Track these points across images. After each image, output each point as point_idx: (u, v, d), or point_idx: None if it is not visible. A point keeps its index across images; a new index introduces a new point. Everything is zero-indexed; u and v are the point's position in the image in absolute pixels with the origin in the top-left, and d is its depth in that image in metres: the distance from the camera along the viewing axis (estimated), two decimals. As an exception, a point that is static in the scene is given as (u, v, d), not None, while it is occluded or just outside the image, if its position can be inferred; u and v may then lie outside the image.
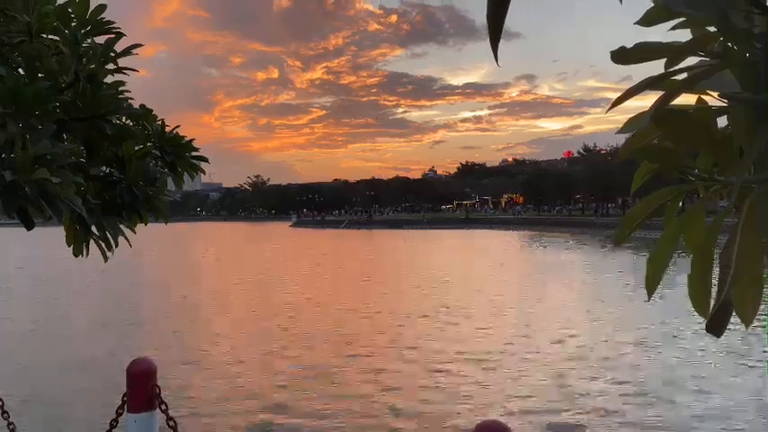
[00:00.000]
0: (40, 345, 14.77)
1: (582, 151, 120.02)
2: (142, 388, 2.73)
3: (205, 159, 5.95)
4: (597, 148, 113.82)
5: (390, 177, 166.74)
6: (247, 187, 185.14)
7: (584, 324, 16.64)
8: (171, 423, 2.68)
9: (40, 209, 3.68)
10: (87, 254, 4.56)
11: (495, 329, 15.99)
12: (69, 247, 5.12)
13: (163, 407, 2.72)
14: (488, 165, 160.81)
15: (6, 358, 13.17)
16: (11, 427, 3.46)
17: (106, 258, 5.01)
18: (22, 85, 3.70)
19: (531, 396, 10.24)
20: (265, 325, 17.27)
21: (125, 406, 2.80)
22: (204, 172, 5.96)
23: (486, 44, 1.02)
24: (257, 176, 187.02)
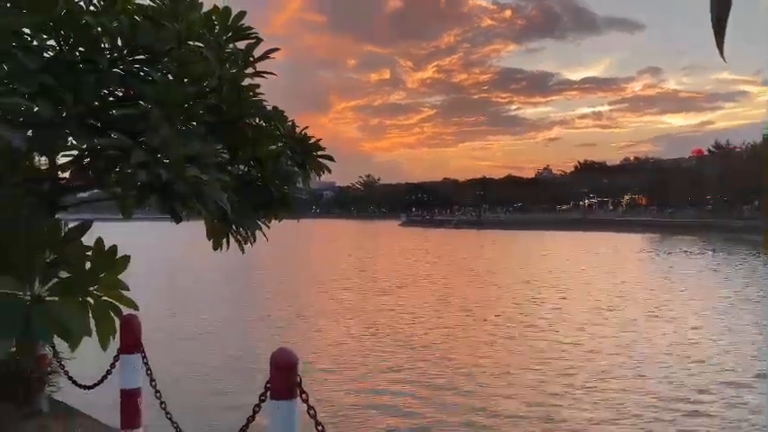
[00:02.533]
0: (209, 336, 15.80)
1: (713, 149, 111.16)
2: (284, 376, 2.84)
3: (331, 158, 6.14)
4: (731, 146, 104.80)
5: (502, 177, 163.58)
6: (359, 186, 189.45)
7: None
8: (311, 412, 2.76)
9: (188, 205, 3.96)
10: (228, 247, 4.87)
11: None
12: (209, 240, 5.48)
13: (303, 396, 2.82)
14: (608, 163, 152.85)
15: (165, 348, 14.10)
16: (162, 405, 3.74)
17: (243, 251, 5.31)
18: (172, 90, 3.99)
19: None
20: (407, 330, 17.45)
21: (268, 393, 2.92)
22: (330, 170, 6.16)
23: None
24: (368, 176, 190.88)
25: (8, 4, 3.82)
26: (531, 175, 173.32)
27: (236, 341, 15.01)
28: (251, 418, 3.07)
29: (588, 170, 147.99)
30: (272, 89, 5.23)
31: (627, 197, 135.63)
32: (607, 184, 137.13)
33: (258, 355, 12.24)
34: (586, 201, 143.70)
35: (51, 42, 4.29)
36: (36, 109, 3.88)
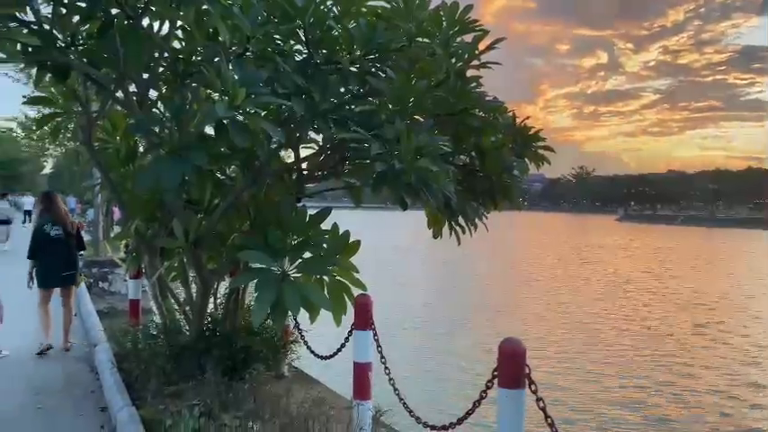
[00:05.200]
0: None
1: None
2: (512, 365, 2.85)
3: (550, 149, 5.96)
4: None
5: (740, 168, 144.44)
6: (570, 178, 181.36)
7: None
8: (541, 404, 2.73)
9: (417, 194, 4.16)
10: (452, 235, 5.01)
11: None
12: (430, 230, 5.69)
13: (532, 387, 2.80)
14: None
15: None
16: (391, 381, 4.01)
17: (459, 241, 5.43)
18: (407, 87, 4.21)
19: None
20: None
21: (495, 381, 2.96)
22: (549, 161, 6.00)
23: None
24: (581, 167, 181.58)
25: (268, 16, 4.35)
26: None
27: (460, 329, 15.37)
28: (477, 403, 3.14)
29: None
30: (482, 79, 5.24)
31: None
32: None
33: (484, 344, 12.41)
34: None
35: (298, 47, 4.80)
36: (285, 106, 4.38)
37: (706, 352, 14.18)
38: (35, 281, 6.82)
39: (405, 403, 3.83)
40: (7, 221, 18.80)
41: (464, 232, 5.24)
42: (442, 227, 5.36)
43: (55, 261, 6.83)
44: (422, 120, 4.60)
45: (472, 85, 5.02)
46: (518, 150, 5.48)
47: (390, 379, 3.97)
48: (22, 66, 4.98)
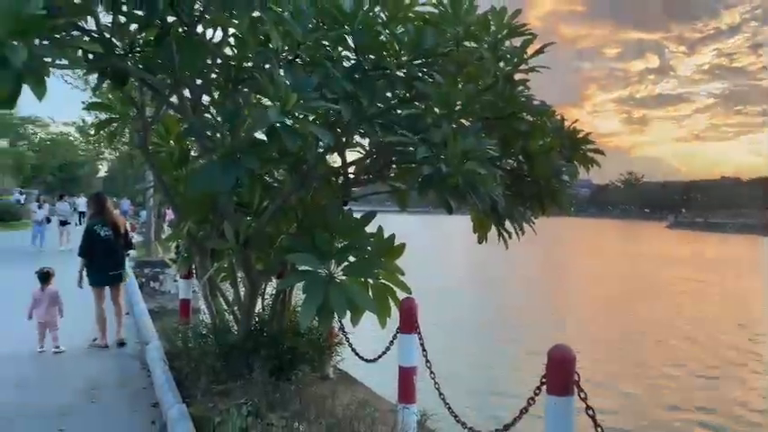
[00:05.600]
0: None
1: None
2: (561, 372, 2.82)
3: (600, 152, 5.85)
4: None
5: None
6: (618, 184, 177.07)
7: None
8: (590, 412, 2.69)
9: (464, 198, 4.15)
10: (499, 240, 4.98)
11: None
12: (475, 234, 5.66)
13: (582, 394, 2.76)
14: None
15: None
16: (436, 386, 4.00)
17: (507, 246, 5.38)
18: (454, 90, 4.21)
19: None
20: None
21: (543, 387, 2.93)
22: (599, 164, 5.89)
23: None
24: (630, 173, 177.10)
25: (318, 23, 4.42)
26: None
27: (509, 335, 15.18)
28: (524, 410, 3.11)
29: None
30: (529, 83, 5.19)
31: None
32: None
33: (532, 350, 12.22)
34: None
35: (346, 53, 4.86)
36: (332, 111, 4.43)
37: None
38: (86, 280, 7.05)
39: (450, 408, 3.82)
40: (67, 222, 19.52)
41: (510, 237, 5.19)
42: (487, 231, 5.33)
43: (105, 261, 7.07)
44: (468, 124, 4.60)
45: (520, 88, 4.99)
46: (567, 154, 5.40)
47: (435, 383, 3.97)
48: (83, 72, 5.16)
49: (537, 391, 3.00)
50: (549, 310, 19.67)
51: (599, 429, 2.67)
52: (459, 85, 4.52)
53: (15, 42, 3.20)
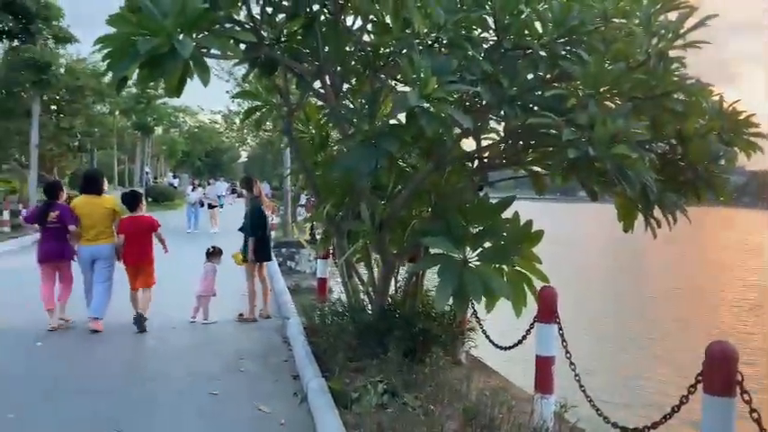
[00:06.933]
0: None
1: None
2: (721, 371, 2.61)
3: (765, 136, 5.30)
4: None
5: None
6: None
7: None
8: (754, 415, 2.46)
9: (611, 183, 3.94)
10: (647, 229, 4.67)
11: None
12: (620, 222, 5.36)
13: (745, 396, 2.54)
14: None
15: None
16: (576, 378, 3.86)
17: (655, 235, 5.04)
18: (602, 69, 3.99)
19: None
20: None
21: (699, 386, 2.73)
22: (762, 151, 5.33)
23: None
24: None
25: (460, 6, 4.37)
26: None
27: (653, 329, 14.31)
28: (676, 408, 2.92)
29: None
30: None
31: None
32: None
33: (686, 347, 11.42)
34: None
35: (485, 34, 4.77)
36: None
37: None
38: (252, 255, 7.38)
39: (591, 400, 3.67)
40: (215, 206, 20.78)
41: (659, 226, 4.86)
42: (634, 219, 5.03)
43: (266, 238, 7.51)
44: (613, 105, 4.34)
45: (674, 66, 4.62)
46: (726, 138, 4.95)
47: (576, 375, 3.83)
48: (234, 63, 5.51)
49: (692, 390, 2.80)
50: (703, 306, 18.19)
51: (767, 435, 2.44)
52: (607, 64, 4.27)
53: (182, 35, 3.49)
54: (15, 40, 20.06)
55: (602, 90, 4.03)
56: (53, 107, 22.08)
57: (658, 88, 4.09)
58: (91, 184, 6.96)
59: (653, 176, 3.89)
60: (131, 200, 7.05)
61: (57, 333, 6.53)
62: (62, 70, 20.70)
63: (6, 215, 17.46)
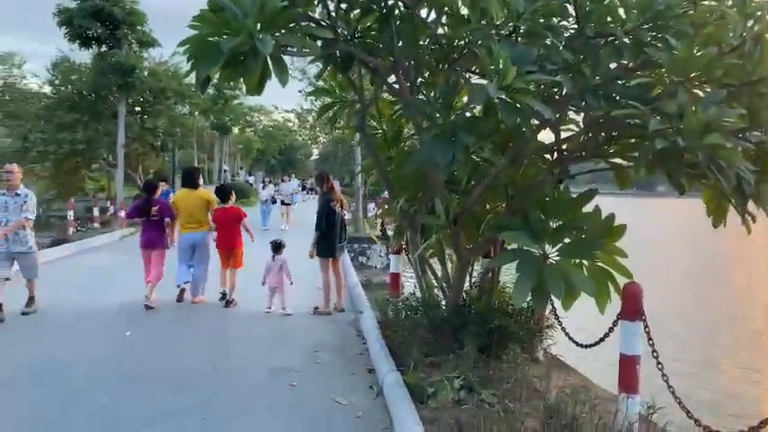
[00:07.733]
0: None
1: None
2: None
3: None
4: None
5: None
6: None
7: None
8: None
9: (703, 174, 3.72)
10: (743, 223, 4.39)
11: None
12: (709, 217, 5.07)
13: None
14: None
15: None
16: (664, 378, 3.69)
17: (750, 230, 4.73)
18: (693, 55, 3.78)
19: None
20: None
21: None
22: None
23: None
24: None
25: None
26: None
27: (742, 332, 13.57)
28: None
29: None
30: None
31: None
32: None
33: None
34: None
35: (564, 23, 4.62)
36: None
37: None
38: (320, 251, 7.55)
39: (680, 402, 3.50)
40: (288, 203, 21.10)
41: (755, 221, 4.57)
42: (725, 214, 4.76)
43: (336, 234, 7.60)
44: (702, 93, 4.11)
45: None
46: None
47: (664, 375, 3.66)
48: (310, 60, 5.58)
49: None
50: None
51: None
52: (696, 49, 4.04)
53: (262, 33, 3.56)
54: (103, 46, 21.23)
55: (691, 77, 3.81)
56: (137, 109, 23.19)
57: (754, 74, 3.83)
58: (189, 179, 8.24)
59: (749, 168, 3.65)
60: (223, 193, 8.13)
61: (144, 323, 6.88)
62: (146, 73, 21.70)
63: (96, 212, 18.52)
